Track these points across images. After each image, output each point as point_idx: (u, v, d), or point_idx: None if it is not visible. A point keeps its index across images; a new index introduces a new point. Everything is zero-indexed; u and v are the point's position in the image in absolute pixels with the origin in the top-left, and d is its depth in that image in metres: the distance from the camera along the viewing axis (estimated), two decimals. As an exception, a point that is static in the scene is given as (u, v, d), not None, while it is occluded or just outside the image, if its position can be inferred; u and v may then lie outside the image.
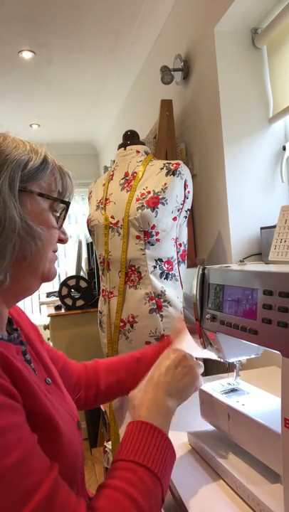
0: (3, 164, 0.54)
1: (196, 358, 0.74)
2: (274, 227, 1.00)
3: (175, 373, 0.68)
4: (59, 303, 2.62)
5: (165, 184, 1.38)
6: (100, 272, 1.57)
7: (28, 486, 0.44)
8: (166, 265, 1.42)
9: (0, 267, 0.54)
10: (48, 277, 0.63)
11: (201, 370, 0.73)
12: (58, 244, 0.66)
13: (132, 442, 0.56)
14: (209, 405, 0.77)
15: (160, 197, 1.36)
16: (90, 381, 0.86)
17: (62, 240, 0.66)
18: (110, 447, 1.62)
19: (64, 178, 0.64)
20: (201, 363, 0.74)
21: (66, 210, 0.65)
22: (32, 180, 0.58)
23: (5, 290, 0.57)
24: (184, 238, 1.49)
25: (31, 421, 0.51)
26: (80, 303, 2.49)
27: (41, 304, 3.39)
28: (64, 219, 0.65)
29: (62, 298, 2.47)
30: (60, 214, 0.64)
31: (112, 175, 1.56)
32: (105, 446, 1.75)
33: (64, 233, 0.66)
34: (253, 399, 0.72)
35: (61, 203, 0.63)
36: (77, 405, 0.80)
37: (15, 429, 0.46)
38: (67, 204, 0.64)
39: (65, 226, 0.67)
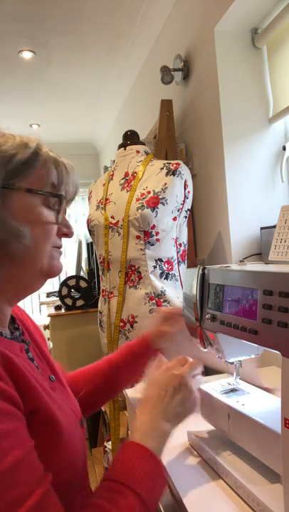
0: None
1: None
2: (274, 227, 1.00)
3: (174, 399, 0.64)
4: (59, 303, 2.62)
5: (165, 184, 1.38)
6: (100, 272, 1.57)
7: (16, 497, 0.42)
8: (166, 265, 1.42)
9: None
10: (50, 273, 0.61)
11: (200, 383, 0.71)
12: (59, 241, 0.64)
13: (126, 464, 0.54)
14: (209, 405, 0.77)
15: (160, 197, 1.36)
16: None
17: (66, 234, 0.63)
18: (110, 447, 1.63)
19: (58, 170, 0.60)
20: (200, 378, 0.71)
21: (63, 203, 0.62)
22: (19, 175, 0.56)
23: (3, 289, 0.57)
24: (184, 238, 1.49)
25: (33, 420, 0.51)
26: (80, 303, 2.49)
27: (41, 304, 3.39)
28: (64, 212, 0.63)
29: (62, 298, 2.47)
30: (59, 207, 0.61)
31: (112, 175, 1.56)
32: (105, 446, 1.75)
33: (67, 226, 0.63)
34: (253, 399, 0.72)
35: (52, 196, 0.59)
36: None
37: (9, 436, 0.45)
38: (59, 197, 0.60)
39: (69, 219, 0.65)
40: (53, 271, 0.61)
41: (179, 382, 0.65)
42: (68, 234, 0.63)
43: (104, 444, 1.78)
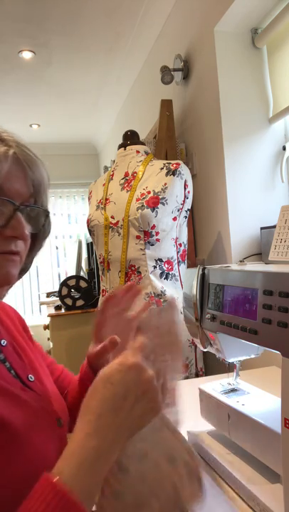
0: None
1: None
2: (274, 227, 1.00)
3: (133, 408, 0.43)
4: (59, 303, 2.62)
5: (165, 184, 1.38)
6: (100, 272, 1.57)
7: None
8: (166, 265, 1.42)
9: None
10: None
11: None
12: (29, 244, 0.57)
13: None
14: (209, 405, 0.77)
15: (160, 197, 1.36)
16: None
17: (15, 236, 0.53)
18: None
19: None
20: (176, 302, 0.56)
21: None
22: None
23: None
24: (184, 238, 1.49)
25: None
26: (80, 303, 2.49)
27: (41, 303, 3.39)
28: (14, 211, 0.53)
29: (62, 298, 2.47)
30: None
31: (112, 175, 1.56)
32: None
33: (13, 228, 0.52)
34: (253, 399, 0.72)
35: None
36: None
37: None
38: None
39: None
40: None
41: (138, 381, 0.43)
42: (17, 236, 0.53)
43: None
